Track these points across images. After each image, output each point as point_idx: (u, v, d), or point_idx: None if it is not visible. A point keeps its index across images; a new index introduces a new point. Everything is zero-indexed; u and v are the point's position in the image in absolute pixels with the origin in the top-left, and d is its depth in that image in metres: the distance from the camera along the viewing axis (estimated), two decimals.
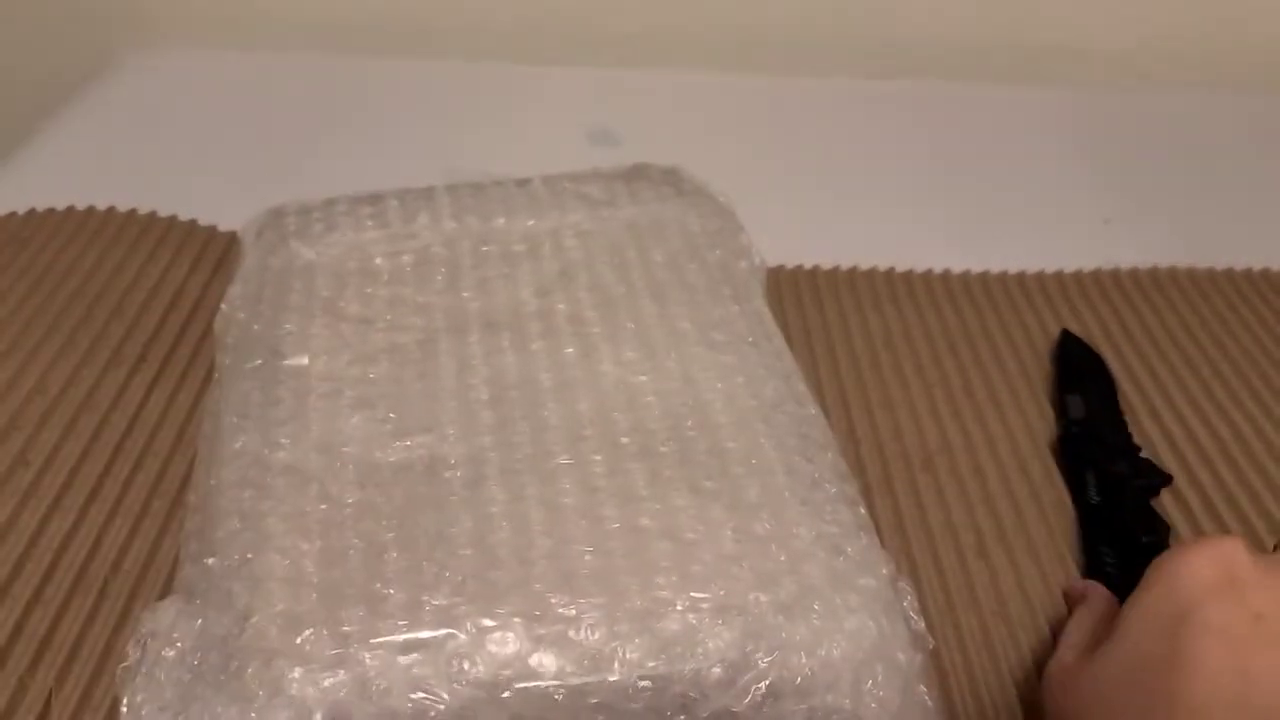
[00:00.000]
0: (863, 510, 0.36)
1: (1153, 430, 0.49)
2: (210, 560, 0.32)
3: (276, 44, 0.82)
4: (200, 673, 0.29)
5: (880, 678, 0.31)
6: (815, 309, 0.56)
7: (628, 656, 0.30)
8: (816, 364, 0.52)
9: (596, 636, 0.30)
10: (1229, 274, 0.60)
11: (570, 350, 0.40)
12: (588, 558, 0.32)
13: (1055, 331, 0.55)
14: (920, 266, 0.59)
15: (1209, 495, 0.46)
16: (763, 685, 0.30)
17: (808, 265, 0.59)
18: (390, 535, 0.33)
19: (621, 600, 0.31)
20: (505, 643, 0.30)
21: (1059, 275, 0.59)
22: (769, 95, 0.78)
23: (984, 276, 0.59)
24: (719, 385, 0.39)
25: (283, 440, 0.36)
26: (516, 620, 0.30)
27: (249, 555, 0.32)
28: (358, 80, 0.77)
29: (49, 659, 0.36)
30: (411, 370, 0.39)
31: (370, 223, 0.46)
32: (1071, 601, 0.41)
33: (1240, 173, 0.72)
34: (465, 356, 0.39)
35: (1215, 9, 0.80)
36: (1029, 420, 0.50)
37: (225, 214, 0.59)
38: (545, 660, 0.29)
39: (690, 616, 0.31)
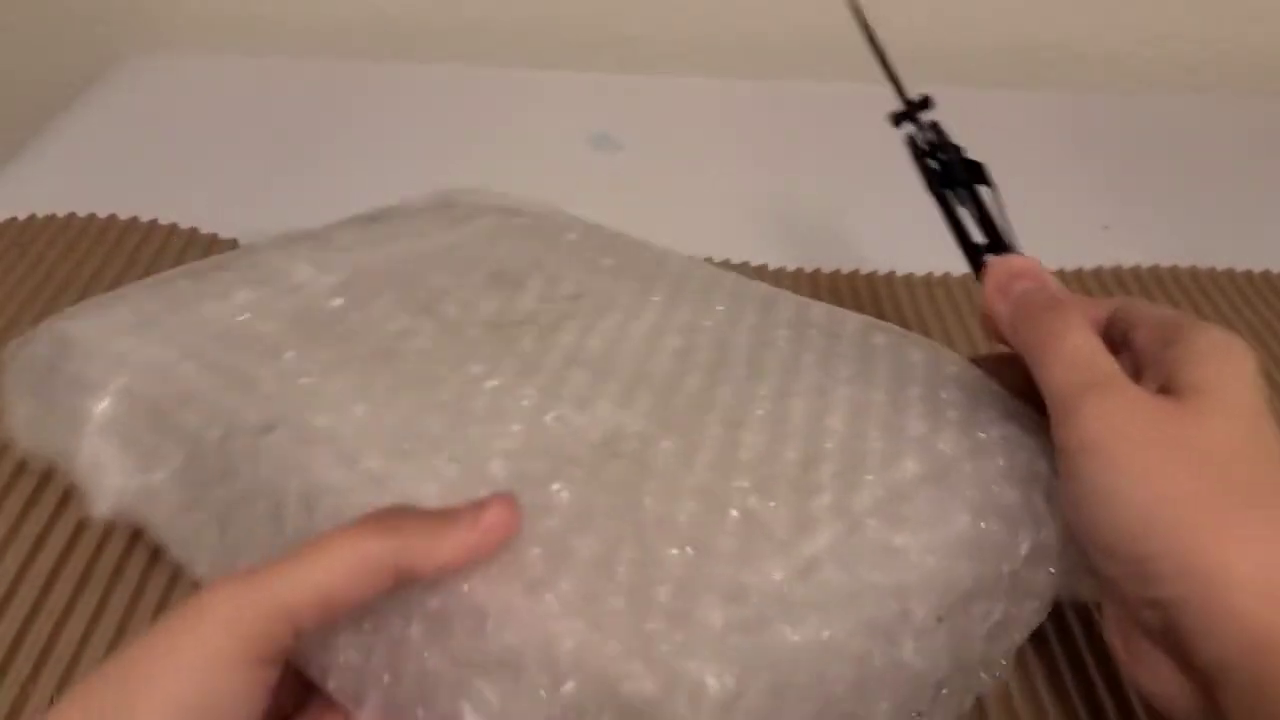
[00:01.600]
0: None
1: None
2: None
3: (278, 48, 0.82)
4: None
5: None
6: None
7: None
8: None
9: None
10: (1230, 274, 0.60)
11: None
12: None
13: None
14: (919, 270, 0.60)
15: None
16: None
17: (807, 269, 0.59)
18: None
19: None
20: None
21: (1059, 274, 0.59)
22: (768, 99, 0.78)
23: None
24: None
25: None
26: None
27: None
28: (359, 84, 0.77)
29: (50, 667, 0.36)
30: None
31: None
32: (1027, 307, 0.33)
33: (1240, 176, 0.72)
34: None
35: (1215, 12, 0.80)
36: None
37: (226, 219, 0.59)
38: None
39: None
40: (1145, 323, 0.31)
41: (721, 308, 0.40)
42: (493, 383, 0.34)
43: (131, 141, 0.69)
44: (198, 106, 0.74)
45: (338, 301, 0.39)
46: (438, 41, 0.82)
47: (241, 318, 0.38)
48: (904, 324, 0.55)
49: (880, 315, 0.56)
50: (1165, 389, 0.29)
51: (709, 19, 0.81)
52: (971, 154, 0.43)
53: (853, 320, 0.41)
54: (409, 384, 0.34)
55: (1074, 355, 0.30)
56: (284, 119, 0.73)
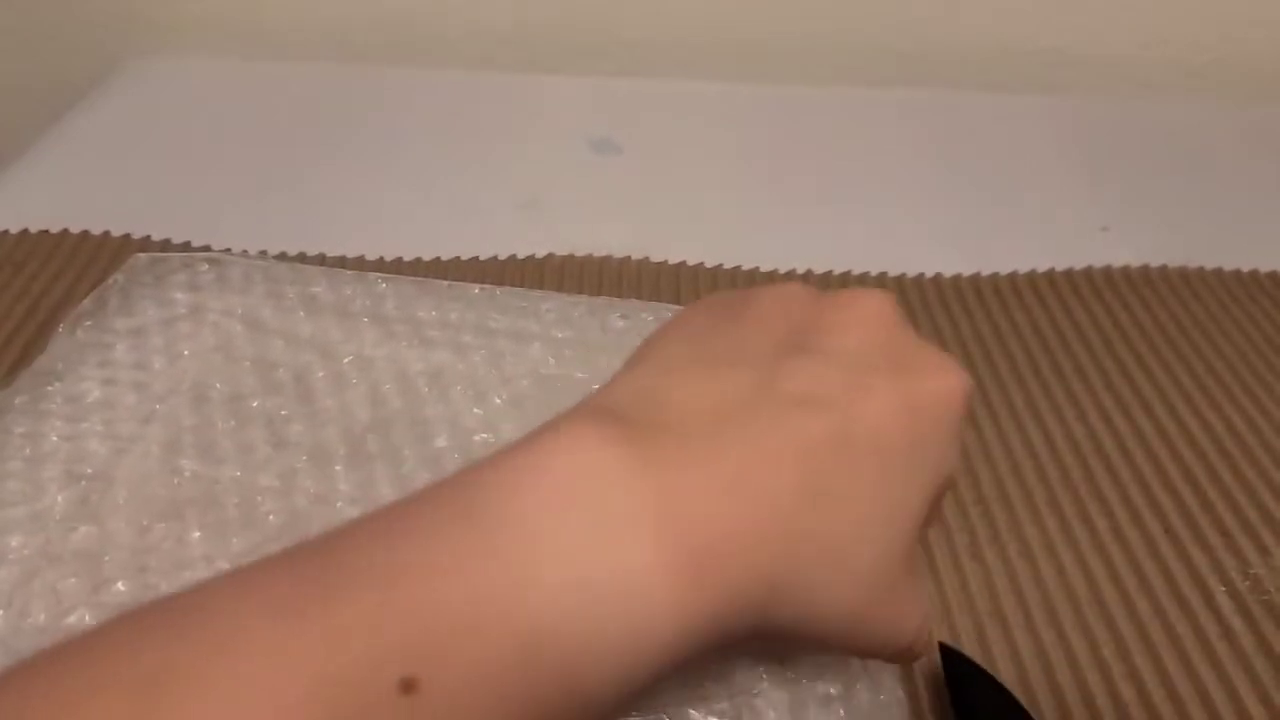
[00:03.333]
0: None
1: (1145, 424, 0.50)
2: None
3: (278, 52, 0.82)
4: None
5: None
6: None
7: None
8: None
9: None
10: (1219, 273, 0.60)
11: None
12: None
13: (1047, 330, 0.56)
14: (915, 273, 0.60)
15: (1203, 489, 0.47)
16: None
17: (801, 271, 0.60)
18: None
19: None
20: None
21: (1050, 274, 0.60)
22: (769, 104, 0.79)
23: (975, 279, 0.60)
24: None
25: None
26: None
27: None
28: (361, 89, 0.78)
29: None
30: None
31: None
32: None
33: (1238, 180, 0.72)
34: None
35: (1215, 16, 0.80)
36: (1021, 422, 0.50)
37: (226, 227, 0.60)
38: None
39: None
40: None
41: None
42: None
43: (130, 148, 0.70)
44: (197, 112, 0.75)
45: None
46: (437, 46, 0.82)
47: None
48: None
49: None
50: None
51: (710, 24, 0.81)
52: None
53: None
54: None
55: None
56: (284, 123, 0.73)
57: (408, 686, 0.19)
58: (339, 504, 0.32)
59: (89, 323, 0.39)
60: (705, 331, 0.27)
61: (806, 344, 0.26)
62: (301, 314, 0.39)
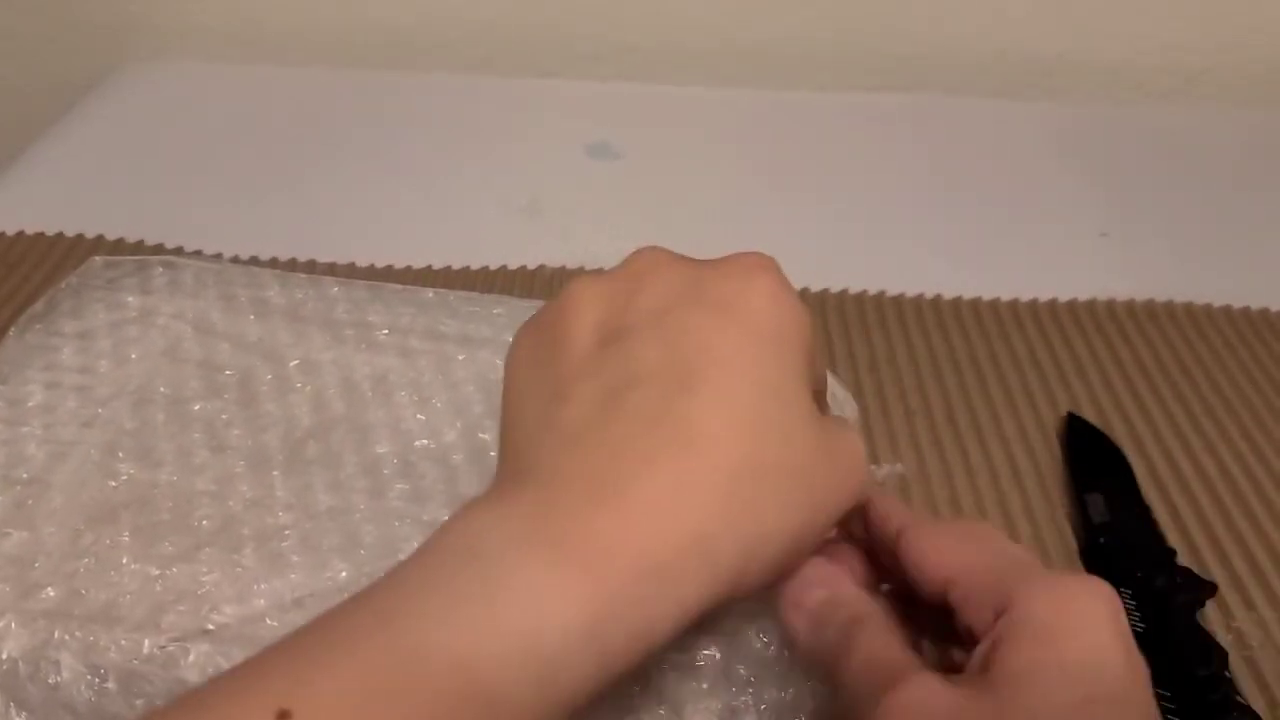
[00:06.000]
0: None
1: (1138, 464, 0.48)
2: None
3: (276, 57, 0.82)
4: None
5: None
6: None
7: None
8: None
9: None
10: (1227, 311, 0.59)
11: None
12: None
13: (1045, 359, 0.54)
14: (914, 285, 0.59)
15: (1191, 535, 0.45)
16: None
17: (800, 286, 0.58)
18: None
19: None
20: None
21: (1052, 303, 0.58)
22: (767, 110, 0.78)
23: (975, 302, 0.58)
24: None
25: None
26: None
27: None
28: (360, 94, 0.77)
29: None
30: None
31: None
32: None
33: (1240, 185, 0.71)
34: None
35: (1215, 22, 0.79)
36: (1010, 450, 0.49)
37: (223, 228, 0.60)
38: None
39: None
40: (973, 584, 0.27)
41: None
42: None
43: (127, 153, 0.69)
44: (195, 117, 0.74)
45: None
46: (435, 51, 0.82)
47: None
48: (891, 347, 0.54)
49: (867, 338, 0.55)
50: (985, 670, 0.25)
51: (709, 29, 0.80)
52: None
53: None
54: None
55: (869, 662, 0.26)
56: (282, 128, 0.73)
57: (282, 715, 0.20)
58: (277, 510, 0.31)
59: (39, 325, 0.38)
60: (534, 372, 0.28)
61: (617, 328, 0.27)
62: (251, 317, 0.38)
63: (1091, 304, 0.58)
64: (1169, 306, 0.58)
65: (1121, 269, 0.61)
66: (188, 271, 0.40)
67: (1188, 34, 0.79)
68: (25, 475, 0.32)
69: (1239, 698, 0.37)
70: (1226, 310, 0.59)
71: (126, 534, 0.30)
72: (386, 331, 0.38)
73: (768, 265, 0.28)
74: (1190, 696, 0.37)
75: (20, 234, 0.59)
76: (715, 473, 0.25)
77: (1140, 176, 0.71)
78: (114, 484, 0.32)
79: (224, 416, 0.34)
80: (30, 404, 0.34)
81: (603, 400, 0.25)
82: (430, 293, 0.41)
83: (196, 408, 0.34)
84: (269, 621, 0.29)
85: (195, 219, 0.62)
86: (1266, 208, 0.68)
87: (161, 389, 0.35)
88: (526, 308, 0.40)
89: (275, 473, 0.32)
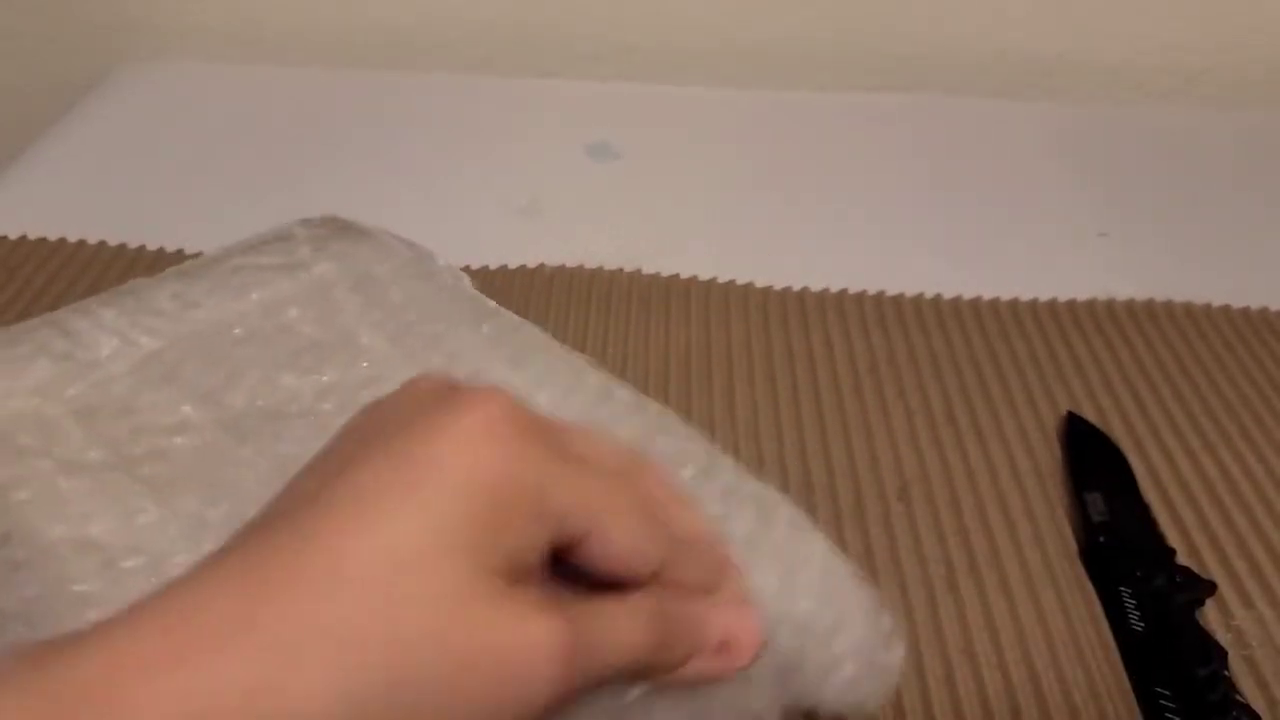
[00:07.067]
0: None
1: (1138, 465, 0.48)
2: None
3: (276, 57, 0.82)
4: None
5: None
6: (801, 332, 0.55)
7: None
8: (797, 389, 0.51)
9: None
10: (1226, 311, 0.59)
11: None
12: None
13: (1045, 359, 0.54)
14: (913, 285, 0.59)
15: (1191, 535, 0.45)
16: None
17: (796, 287, 0.59)
18: None
19: None
20: None
21: (1052, 303, 0.58)
22: (768, 109, 0.78)
23: (975, 302, 0.58)
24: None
25: None
26: None
27: None
28: (360, 94, 0.77)
29: None
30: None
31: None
32: None
33: (1240, 186, 0.71)
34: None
35: (1215, 23, 0.79)
36: (1010, 451, 0.49)
37: (222, 228, 0.59)
38: None
39: None
40: None
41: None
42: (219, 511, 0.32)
43: (126, 153, 0.70)
44: (194, 117, 0.74)
45: (126, 385, 0.35)
46: (435, 51, 0.82)
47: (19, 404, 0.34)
48: (891, 348, 0.55)
49: (866, 338, 0.55)
50: None
51: (709, 29, 0.80)
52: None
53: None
54: (158, 496, 0.32)
55: None
56: (281, 128, 0.73)
57: None
58: None
59: None
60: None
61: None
62: None
63: (1091, 304, 0.58)
64: (1168, 306, 0.58)
65: (1121, 269, 0.62)
66: None
67: (1188, 34, 0.79)
68: None
69: (1238, 697, 0.37)
70: (1226, 310, 0.59)
71: None
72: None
73: (489, 400, 0.24)
74: (1190, 696, 0.37)
75: (23, 238, 0.59)
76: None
77: (1140, 176, 0.71)
78: None
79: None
80: None
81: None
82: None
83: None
84: None
85: (195, 219, 0.62)
86: (1266, 208, 0.69)
87: None
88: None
89: None
